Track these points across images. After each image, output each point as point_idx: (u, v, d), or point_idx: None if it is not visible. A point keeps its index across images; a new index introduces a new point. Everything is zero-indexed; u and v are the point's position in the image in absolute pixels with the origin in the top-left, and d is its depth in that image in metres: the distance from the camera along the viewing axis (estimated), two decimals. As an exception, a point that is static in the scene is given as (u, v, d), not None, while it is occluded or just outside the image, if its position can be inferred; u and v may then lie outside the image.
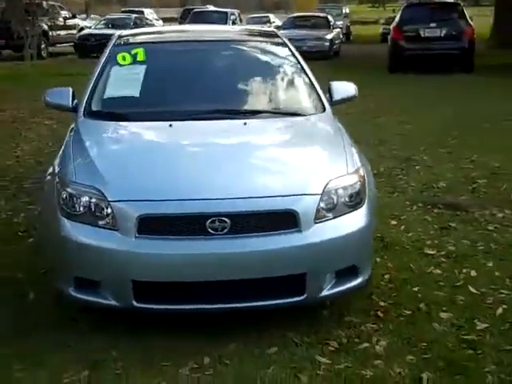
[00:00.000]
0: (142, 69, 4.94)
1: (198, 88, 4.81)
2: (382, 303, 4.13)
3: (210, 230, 3.53)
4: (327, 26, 23.66)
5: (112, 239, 3.59)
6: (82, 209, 3.69)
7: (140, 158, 4.03)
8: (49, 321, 3.94)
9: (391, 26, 18.06)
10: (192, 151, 4.16)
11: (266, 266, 3.60)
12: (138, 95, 4.75)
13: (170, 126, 4.30)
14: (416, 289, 4.34)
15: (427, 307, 4.08)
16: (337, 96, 4.91)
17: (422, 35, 16.61)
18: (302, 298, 3.69)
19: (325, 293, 3.75)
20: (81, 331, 3.81)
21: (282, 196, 3.65)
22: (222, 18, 23.61)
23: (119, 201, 3.60)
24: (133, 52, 5.03)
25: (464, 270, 4.63)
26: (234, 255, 3.55)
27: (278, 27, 23.61)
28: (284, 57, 5.24)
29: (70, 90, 4.88)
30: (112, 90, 4.80)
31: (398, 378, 3.34)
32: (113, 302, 3.65)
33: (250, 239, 3.57)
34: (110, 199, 3.60)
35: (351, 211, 3.82)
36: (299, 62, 5.12)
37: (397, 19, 17.50)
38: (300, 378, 3.35)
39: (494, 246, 5.08)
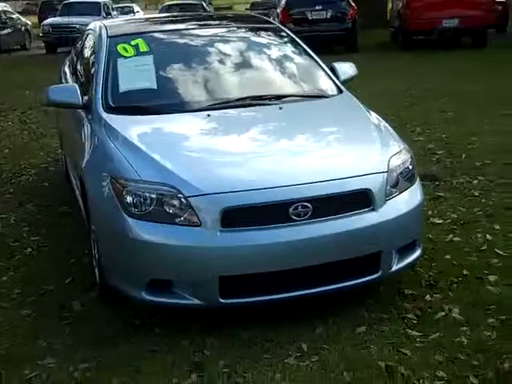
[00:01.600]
0: (149, 59, 4.73)
1: (217, 77, 4.72)
2: (427, 274, 4.27)
3: (293, 216, 3.50)
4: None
5: (194, 236, 3.47)
6: (152, 207, 3.53)
7: (202, 150, 3.90)
8: (115, 329, 3.75)
9: (278, 10, 18.33)
10: (249, 140, 4.08)
11: (348, 247, 3.63)
12: (157, 87, 4.56)
13: (208, 115, 4.20)
14: (448, 256, 4.51)
15: (471, 272, 4.26)
16: (343, 76, 4.98)
17: (310, 18, 17.07)
18: (377, 275, 3.77)
19: (394, 268, 3.84)
20: (159, 335, 3.66)
21: (357, 176, 3.69)
22: (96, 9, 22.92)
23: (199, 195, 3.47)
24: (133, 43, 4.82)
25: (479, 235, 4.86)
26: (319, 239, 3.54)
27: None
28: (287, 42, 5.25)
29: (76, 86, 4.62)
30: (127, 84, 4.56)
31: (495, 342, 3.47)
32: (195, 302, 3.53)
33: (331, 221, 3.58)
34: (187, 194, 3.47)
35: (409, 186, 3.94)
36: (302, 47, 5.15)
37: (283, 3, 17.78)
38: (405, 352, 3.41)
39: (490, 209, 5.37)
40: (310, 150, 3.98)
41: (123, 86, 4.56)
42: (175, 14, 16.33)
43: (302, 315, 3.79)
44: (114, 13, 24.86)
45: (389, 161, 3.83)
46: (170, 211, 3.51)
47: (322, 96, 4.69)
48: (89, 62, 5.19)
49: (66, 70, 6.30)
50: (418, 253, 4.00)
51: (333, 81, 4.86)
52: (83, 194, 4.30)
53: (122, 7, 27.75)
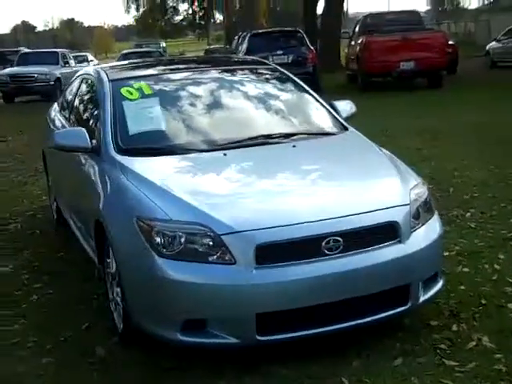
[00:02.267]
0: (155, 102, 4.75)
1: (224, 117, 4.76)
2: (447, 305, 4.29)
3: (325, 250, 3.51)
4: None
5: (229, 274, 3.43)
6: (183, 247, 3.48)
7: (228, 188, 3.90)
8: (146, 373, 3.66)
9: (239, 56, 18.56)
10: (273, 176, 4.08)
11: (379, 279, 3.63)
12: (166, 128, 4.58)
13: (225, 154, 4.20)
14: (463, 287, 4.55)
15: (489, 301, 4.31)
16: (344, 114, 5.06)
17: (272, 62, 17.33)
18: (407, 307, 3.78)
19: (421, 299, 3.85)
20: (193, 377, 3.59)
21: (384, 209, 3.72)
22: (54, 58, 22.87)
23: (231, 233, 3.45)
24: (136, 86, 4.82)
25: (486, 266, 4.93)
26: (352, 273, 3.54)
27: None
28: (286, 81, 5.32)
29: (84, 130, 4.57)
30: (136, 126, 4.55)
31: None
32: (232, 340, 3.48)
33: (362, 255, 3.59)
34: (220, 232, 3.44)
35: (430, 218, 3.99)
36: (302, 86, 5.23)
37: (243, 49, 18.01)
38: (446, 383, 3.40)
39: (490, 241, 5.47)
40: (332, 184, 4.01)
41: (133, 129, 4.54)
42: (170, 57, 16.28)
43: (335, 349, 3.76)
44: (72, 62, 24.76)
45: (410, 193, 3.88)
46: (203, 250, 3.47)
47: (329, 133, 4.74)
48: (90, 106, 5.16)
49: (57, 115, 6.23)
50: (440, 284, 4.02)
51: (336, 118, 4.92)
52: (97, 237, 4.22)
53: (76, 56, 27.68)
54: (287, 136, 4.57)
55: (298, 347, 3.72)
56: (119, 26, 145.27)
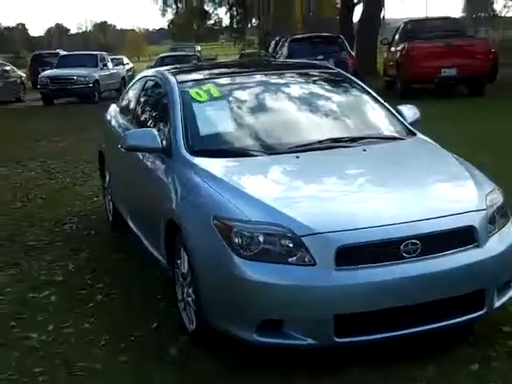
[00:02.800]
0: (224, 104, 4.81)
1: (293, 120, 4.79)
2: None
3: (403, 253, 3.51)
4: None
5: (309, 275, 3.45)
6: (263, 247, 3.50)
7: (305, 190, 3.93)
8: (222, 372, 3.69)
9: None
10: (349, 179, 4.09)
11: (456, 283, 3.62)
12: (236, 130, 4.63)
13: (297, 157, 4.22)
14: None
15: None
16: (409, 119, 5.05)
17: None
18: (482, 312, 3.76)
19: (496, 305, 3.83)
20: (270, 377, 3.61)
21: (462, 213, 3.72)
22: (93, 61, 23.20)
23: (312, 234, 3.46)
24: (204, 88, 4.87)
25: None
26: (429, 276, 3.54)
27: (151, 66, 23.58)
28: (350, 85, 5.34)
29: (154, 130, 4.63)
30: (206, 128, 4.62)
31: None
32: (308, 341, 3.49)
33: (440, 258, 3.59)
34: (300, 234, 3.46)
35: (506, 223, 3.96)
36: (366, 90, 5.24)
37: (285, 53, 18.10)
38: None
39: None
40: (409, 188, 4.00)
41: (203, 130, 4.59)
42: (231, 61, 16.36)
43: (407, 354, 3.75)
44: (110, 64, 25.05)
45: (485, 198, 3.87)
46: (282, 251, 3.49)
47: (397, 138, 4.74)
48: (157, 108, 5.22)
49: (118, 118, 6.30)
50: (512, 290, 4.00)
51: (402, 123, 4.92)
52: (168, 237, 4.26)
53: (113, 59, 28.05)
54: (355, 140, 4.58)
55: (373, 351, 3.72)
56: (150, 29, 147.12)
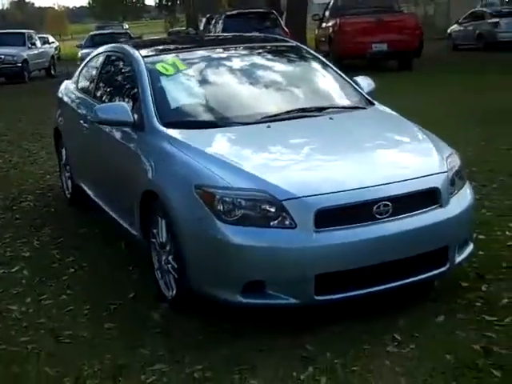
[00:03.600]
0: (191, 77, 4.95)
1: (260, 91, 4.97)
2: (470, 268, 4.56)
3: (376, 214, 3.76)
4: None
5: (290, 237, 3.65)
6: (246, 212, 3.69)
7: (281, 157, 4.12)
8: (208, 334, 3.87)
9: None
10: (320, 146, 4.29)
11: (424, 241, 3.90)
12: (206, 102, 4.77)
13: (269, 126, 4.40)
14: (482, 252, 4.80)
15: (509, 263, 4.62)
16: (366, 89, 5.30)
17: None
18: (446, 267, 4.06)
19: (457, 260, 4.14)
20: (256, 337, 3.81)
21: (427, 175, 3.99)
22: (21, 40, 22.65)
23: (292, 198, 3.67)
24: (169, 62, 4.98)
25: (499, 233, 5.24)
26: (400, 235, 3.80)
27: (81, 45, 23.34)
28: (310, 58, 5.55)
29: (125, 104, 4.73)
30: (176, 100, 4.75)
31: None
32: (290, 301, 3.71)
33: (408, 218, 3.85)
34: (281, 198, 3.66)
35: (463, 185, 4.27)
36: (326, 63, 5.46)
37: (219, 29, 18.15)
38: (490, 335, 3.68)
39: (497, 211, 5.79)
40: (377, 153, 4.26)
41: (174, 103, 4.72)
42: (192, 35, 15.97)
43: (377, 310, 4.02)
44: (38, 43, 24.51)
45: (446, 161, 4.16)
46: (264, 215, 3.69)
47: (359, 107, 4.98)
48: (124, 83, 5.29)
49: (77, 94, 6.32)
50: (471, 247, 4.31)
51: (361, 93, 5.17)
52: (142, 210, 4.38)
53: (41, 37, 27.48)
54: (321, 109, 4.80)
55: (345, 310, 3.97)
56: (71, 7, 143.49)
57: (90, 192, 5.91)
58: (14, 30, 27.90)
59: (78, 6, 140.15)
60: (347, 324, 3.87)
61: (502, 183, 6.62)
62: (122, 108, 4.67)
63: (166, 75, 4.88)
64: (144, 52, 5.24)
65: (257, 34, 16.97)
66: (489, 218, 5.63)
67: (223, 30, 17.59)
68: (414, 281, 3.95)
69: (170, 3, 47.03)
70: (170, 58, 5.08)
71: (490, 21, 24.13)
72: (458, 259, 4.15)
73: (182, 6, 46.04)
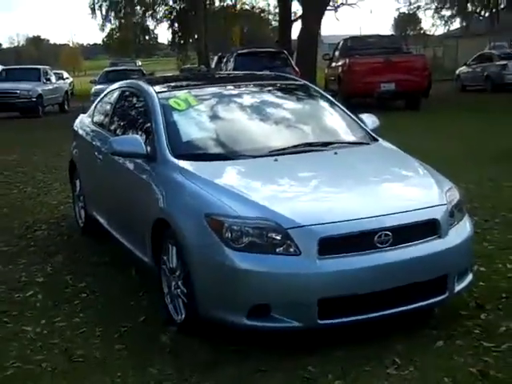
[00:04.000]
0: (202, 112, 5.18)
1: (268, 126, 5.22)
2: (471, 298, 4.71)
3: (377, 244, 3.94)
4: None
5: (295, 264, 3.84)
6: (252, 240, 3.88)
7: (287, 188, 4.33)
8: (214, 356, 4.02)
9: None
10: (325, 178, 4.50)
11: (423, 270, 4.07)
12: (216, 136, 5.00)
13: (276, 160, 4.61)
14: (482, 283, 4.96)
15: (509, 294, 4.75)
16: (370, 126, 5.52)
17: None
18: (445, 296, 4.22)
19: (456, 289, 4.30)
20: (260, 358, 3.96)
21: (428, 207, 4.19)
22: (36, 75, 23.15)
23: (297, 227, 3.86)
24: (182, 98, 5.23)
25: (500, 265, 5.38)
26: (400, 264, 3.98)
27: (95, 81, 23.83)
28: (316, 95, 5.79)
29: (139, 137, 4.96)
30: (188, 134, 4.98)
31: None
32: (294, 324, 3.87)
33: (408, 248, 4.03)
34: (286, 227, 3.85)
35: (463, 217, 4.45)
36: (331, 100, 5.70)
37: (230, 67, 18.52)
38: (487, 359, 3.83)
39: (499, 244, 5.95)
40: (379, 186, 4.48)
41: (185, 136, 4.95)
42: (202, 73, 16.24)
43: (378, 335, 4.17)
44: (53, 78, 25.01)
45: (446, 194, 4.35)
46: (270, 242, 3.88)
47: (363, 143, 5.20)
48: (138, 117, 5.53)
49: (92, 127, 6.57)
50: (470, 277, 4.47)
51: (365, 130, 5.39)
52: (153, 237, 4.58)
53: (55, 73, 28.03)
54: (326, 144, 5.02)
55: (347, 334, 4.12)
56: (85, 44, 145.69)
57: (102, 220, 6.11)
58: (29, 66, 28.47)
59: (91, 43, 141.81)
60: (349, 347, 4.02)
61: (503, 218, 6.79)
62: (136, 140, 4.90)
63: (179, 110, 5.12)
64: (158, 88, 5.49)
65: (267, 72, 17.57)
66: (490, 251, 5.79)
67: (234, 68, 17.93)
68: (413, 308, 4.11)
69: (182, 41, 47.81)
70: (182, 93, 5.33)
71: (498, 63, 24.55)
72: (458, 288, 4.31)
73: (194, 43, 46.84)
